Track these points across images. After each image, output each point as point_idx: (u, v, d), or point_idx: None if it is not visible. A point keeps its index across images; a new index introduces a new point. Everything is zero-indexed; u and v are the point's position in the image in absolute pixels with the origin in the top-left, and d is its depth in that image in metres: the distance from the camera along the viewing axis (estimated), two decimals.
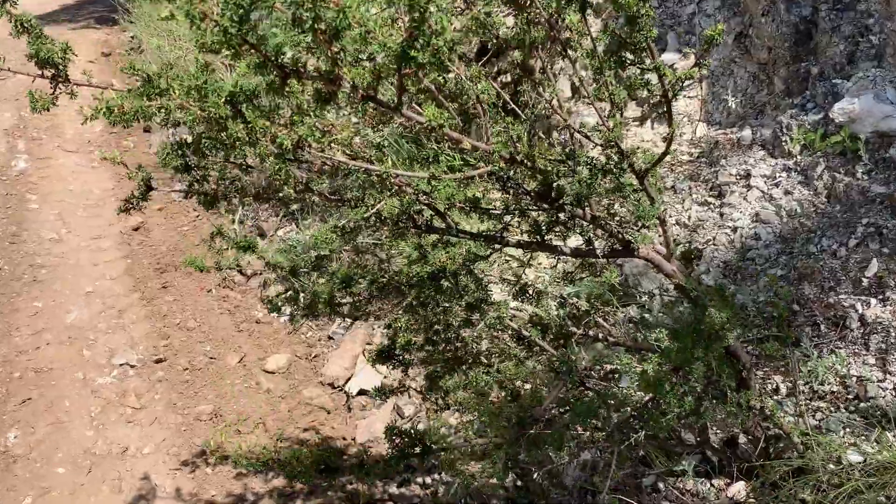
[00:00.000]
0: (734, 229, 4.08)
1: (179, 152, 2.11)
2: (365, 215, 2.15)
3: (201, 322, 5.96)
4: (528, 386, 2.75)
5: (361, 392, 5.13)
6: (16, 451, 4.78)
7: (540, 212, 2.47)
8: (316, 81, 1.48)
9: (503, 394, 2.81)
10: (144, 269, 6.67)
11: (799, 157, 4.20)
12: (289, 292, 3.50)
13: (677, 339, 2.20)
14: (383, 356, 2.78)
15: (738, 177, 4.30)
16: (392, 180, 1.97)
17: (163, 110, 1.74)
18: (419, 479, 4.59)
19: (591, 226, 2.57)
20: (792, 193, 4.07)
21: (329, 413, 5.16)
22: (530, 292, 2.69)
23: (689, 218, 4.24)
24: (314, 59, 1.49)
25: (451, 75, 2.24)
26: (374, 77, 1.48)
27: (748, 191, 4.20)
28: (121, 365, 5.52)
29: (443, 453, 2.31)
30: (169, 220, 7.47)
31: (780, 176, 4.20)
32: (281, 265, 3.34)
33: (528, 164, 2.04)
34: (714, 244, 4.07)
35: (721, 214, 4.20)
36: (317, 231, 2.06)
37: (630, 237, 2.66)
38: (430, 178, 2.01)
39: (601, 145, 2.48)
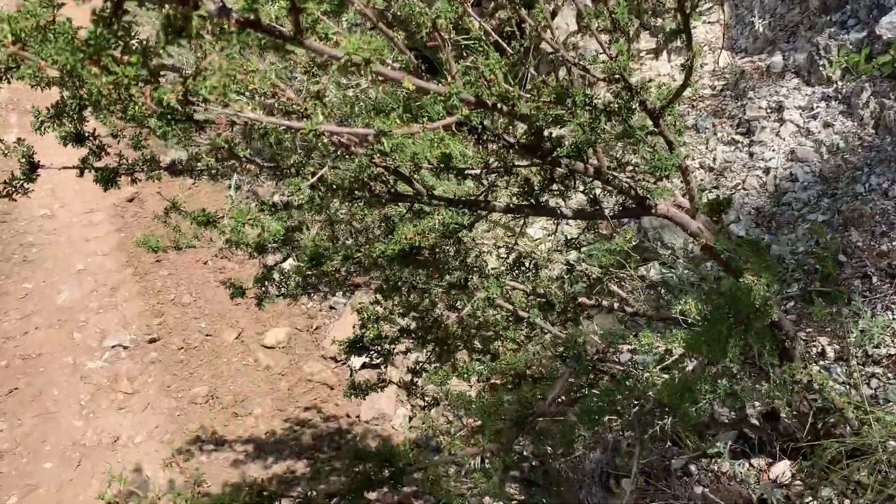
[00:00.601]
0: (766, 171, 3.52)
1: (58, 117, 1.62)
2: (302, 185, 1.66)
3: (196, 297, 5.54)
4: (531, 369, 2.27)
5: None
6: (1, 446, 4.42)
7: (531, 168, 1.95)
8: (165, 4, 0.99)
9: (503, 378, 2.34)
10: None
11: (840, 83, 3.61)
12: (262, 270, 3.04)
13: (710, 326, 1.70)
14: (356, 347, 2.31)
15: (768, 110, 3.72)
16: (326, 139, 1.46)
17: None
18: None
19: (595, 181, 2.05)
20: (833, 126, 3.49)
21: (332, 389, 4.74)
22: (527, 264, 2.19)
23: (715, 160, 3.69)
24: None
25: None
26: None
27: (781, 125, 3.62)
28: (113, 347, 5.12)
29: (420, 473, 1.86)
30: (164, 189, 7.01)
31: (817, 106, 3.61)
32: (245, 241, 2.87)
33: (505, 108, 1.53)
34: (744, 188, 3.52)
35: (751, 154, 3.64)
36: (235, 211, 1.57)
37: (645, 192, 2.14)
38: (378, 134, 1.51)
39: (604, 80, 1.95)
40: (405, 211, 1.95)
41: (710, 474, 2.97)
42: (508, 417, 2.17)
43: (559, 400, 2.19)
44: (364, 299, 5.21)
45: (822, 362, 3.04)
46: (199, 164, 1.78)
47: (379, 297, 2.20)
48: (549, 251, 2.12)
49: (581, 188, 2.01)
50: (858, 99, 3.46)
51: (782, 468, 2.91)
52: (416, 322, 2.16)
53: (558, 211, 2.10)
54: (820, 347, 3.07)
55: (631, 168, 2.18)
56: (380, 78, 1.27)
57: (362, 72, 1.20)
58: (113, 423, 4.55)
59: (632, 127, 1.86)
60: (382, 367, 2.37)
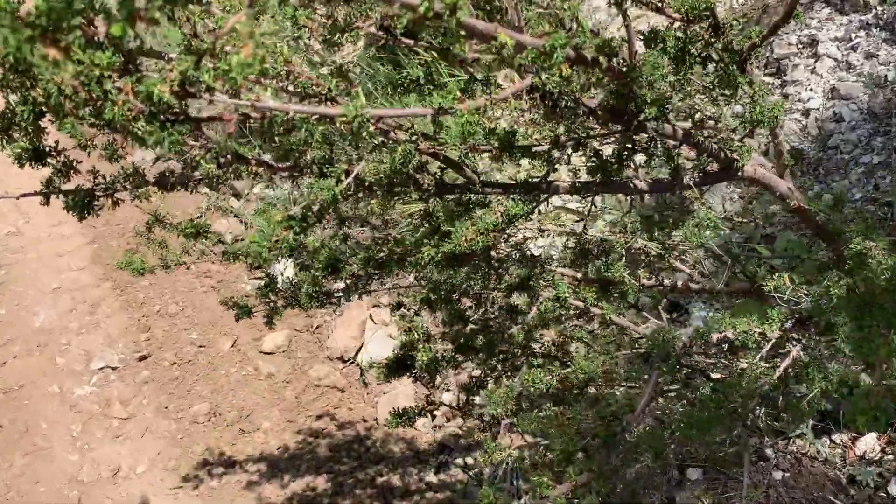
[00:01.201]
0: (805, 112, 3.17)
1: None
2: (337, 188, 1.26)
3: (184, 305, 5.11)
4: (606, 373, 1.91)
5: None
6: None
7: (606, 138, 1.58)
8: None
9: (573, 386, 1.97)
10: (113, 252, 5.76)
11: (879, 7, 3.25)
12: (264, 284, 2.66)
13: (863, 316, 1.34)
14: (398, 368, 1.93)
15: (800, 46, 3.36)
16: (371, 127, 1.07)
17: None
18: (459, 461, 3.83)
19: (679, 146, 1.68)
20: (877, 56, 3.13)
21: (343, 392, 4.36)
22: (594, 251, 1.83)
23: (744, 107, 3.32)
24: None
25: None
26: None
27: (816, 61, 3.26)
28: (100, 369, 4.69)
29: None
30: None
31: (857, 36, 3.25)
32: (245, 253, 2.47)
33: (605, 62, 1.14)
34: (782, 135, 3.17)
35: (785, 96, 3.28)
36: (257, 236, 1.18)
37: (731, 153, 1.78)
38: (437, 113, 1.13)
39: (681, 19, 1.57)
40: (454, 204, 1.57)
41: (788, 457, 2.65)
42: (590, 433, 1.82)
43: (650, 407, 1.83)
44: (369, 298, 4.82)
45: None
46: (195, 172, 1.38)
47: (424, 308, 1.83)
48: (622, 235, 1.76)
49: (664, 157, 1.63)
50: None
51: (870, 442, 2.59)
52: (477, 335, 1.79)
53: (631, 185, 1.73)
54: None
55: (710, 125, 1.81)
56: (461, 32, 0.88)
57: (445, 24, 0.81)
58: (110, 453, 4.15)
59: (733, 74, 1.49)
60: (430, 388, 1.99)
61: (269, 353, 4.62)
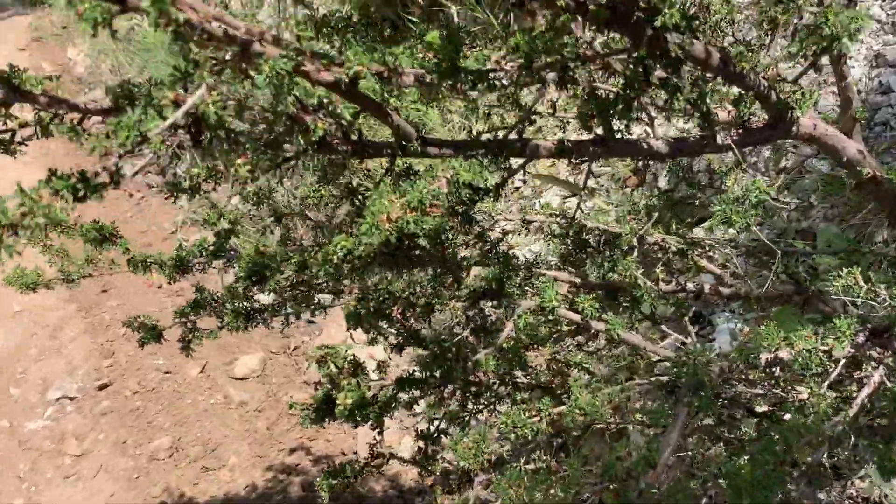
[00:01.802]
0: None
1: None
2: (152, 128, 0.74)
3: None
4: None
5: None
6: None
7: (605, 71, 1.04)
8: None
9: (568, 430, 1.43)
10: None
11: None
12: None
13: None
14: (326, 410, 1.40)
15: None
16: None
17: None
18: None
19: (714, 79, 1.15)
20: None
21: None
22: (595, 244, 1.29)
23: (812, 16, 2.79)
24: None
25: None
26: None
27: None
28: (57, 400, 4.17)
29: None
30: (109, 208, 6.02)
31: None
32: (159, 261, 1.96)
33: None
34: (818, 111, 2.64)
35: (818, 67, 2.75)
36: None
37: (784, 99, 1.25)
38: None
39: None
40: (384, 171, 1.04)
41: (847, 502, 2.10)
42: (595, 494, 1.28)
43: (674, 458, 1.29)
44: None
45: None
46: None
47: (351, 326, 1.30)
48: (632, 218, 1.24)
49: (691, 100, 1.10)
50: None
51: None
52: (426, 364, 1.26)
53: (643, 145, 1.19)
54: None
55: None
56: None
57: None
58: (59, 496, 3.62)
59: None
60: (378, 435, 1.47)
61: (241, 379, 4.09)
